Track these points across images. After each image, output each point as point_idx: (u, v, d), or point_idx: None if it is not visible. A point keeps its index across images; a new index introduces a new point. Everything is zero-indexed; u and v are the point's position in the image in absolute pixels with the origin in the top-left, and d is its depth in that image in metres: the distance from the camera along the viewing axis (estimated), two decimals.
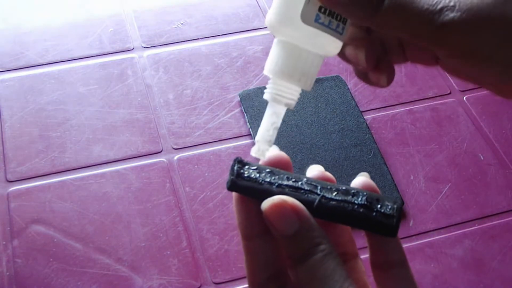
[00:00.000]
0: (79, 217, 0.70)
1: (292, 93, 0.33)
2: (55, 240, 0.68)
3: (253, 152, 0.34)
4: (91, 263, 0.67)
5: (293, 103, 0.33)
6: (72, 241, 0.68)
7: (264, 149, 0.34)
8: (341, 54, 0.34)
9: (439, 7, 0.26)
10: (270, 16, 0.32)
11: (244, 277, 0.36)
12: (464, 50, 0.27)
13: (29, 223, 0.69)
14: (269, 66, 0.33)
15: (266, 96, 0.33)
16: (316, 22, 0.30)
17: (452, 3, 0.26)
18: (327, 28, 0.30)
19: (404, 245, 0.70)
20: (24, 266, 0.66)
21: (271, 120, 0.33)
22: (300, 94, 0.33)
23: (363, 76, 0.35)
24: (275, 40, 0.33)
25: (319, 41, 0.31)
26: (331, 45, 0.31)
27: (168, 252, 0.68)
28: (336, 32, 0.31)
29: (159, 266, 0.67)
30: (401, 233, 0.71)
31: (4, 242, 0.68)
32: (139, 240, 0.69)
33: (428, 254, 0.70)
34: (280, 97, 0.33)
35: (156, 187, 0.74)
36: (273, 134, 0.34)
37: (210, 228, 0.70)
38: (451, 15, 0.26)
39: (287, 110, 0.34)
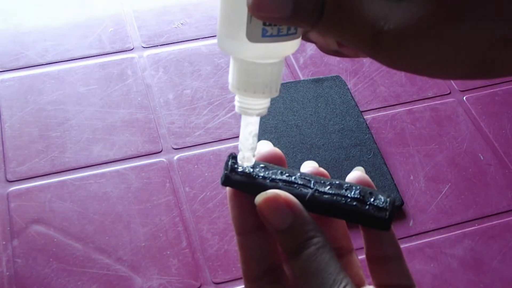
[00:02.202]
0: (79, 217, 0.70)
1: (260, 103, 0.32)
2: (55, 240, 0.68)
3: (239, 160, 0.34)
4: (91, 263, 0.67)
5: (264, 111, 0.32)
6: (72, 241, 0.68)
7: (248, 155, 0.34)
8: (304, 38, 0.33)
9: (370, 24, 0.25)
10: (218, 38, 0.31)
11: None
12: (403, 67, 0.26)
13: (29, 223, 0.69)
14: (232, 82, 0.32)
15: (236, 109, 0.33)
16: (264, 37, 0.29)
17: (383, 22, 0.25)
18: (277, 37, 0.29)
19: (404, 245, 0.71)
20: (24, 266, 0.66)
21: (247, 130, 0.33)
22: (271, 99, 0.33)
23: (334, 52, 0.33)
24: (231, 56, 0.31)
25: (274, 51, 0.30)
26: (288, 48, 0.30)
27: (168, 252, 0.68)
28: (289, 36, 0.29)
29: (159, 266, 0.67)
30: (401, 233, 0.72)
31: (4, 242, 0.68)
32: (139, 240, 0.69)
33: (428, 254, 0.70)
34: (250, 110, 0.32)
35: (156, 187, 0.74)
36: (253, 142, 0.33)
37: (210, 228, 0.70)
38: (383, 35, 0.25)
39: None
